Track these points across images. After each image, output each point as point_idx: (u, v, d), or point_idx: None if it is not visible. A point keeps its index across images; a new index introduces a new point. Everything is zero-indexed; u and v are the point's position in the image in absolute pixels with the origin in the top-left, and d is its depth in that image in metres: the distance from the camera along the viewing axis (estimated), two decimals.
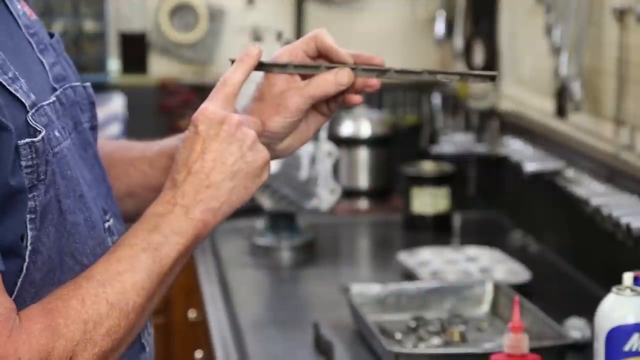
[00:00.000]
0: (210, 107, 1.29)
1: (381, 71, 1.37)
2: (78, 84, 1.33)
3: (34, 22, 1.29)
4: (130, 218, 1.53)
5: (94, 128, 1.36)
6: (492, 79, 1.36)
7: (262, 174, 1.30)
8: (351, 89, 1.39)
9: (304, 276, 2.51)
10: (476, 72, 1.37)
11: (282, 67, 1.38)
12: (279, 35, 2.55)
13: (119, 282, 1.19)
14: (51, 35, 1.34)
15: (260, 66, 1.38)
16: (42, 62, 1.25)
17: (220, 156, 1.27)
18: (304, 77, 1.39)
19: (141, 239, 1.23)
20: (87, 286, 1.18)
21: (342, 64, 1.38)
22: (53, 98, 1.22)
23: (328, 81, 1.37)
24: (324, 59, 1.40)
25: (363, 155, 3.08)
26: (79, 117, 1.30)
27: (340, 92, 1.38)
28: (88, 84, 1.36)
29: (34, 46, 1.25)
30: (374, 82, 1.39)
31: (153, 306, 1.24)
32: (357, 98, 1.41)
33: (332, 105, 1.42)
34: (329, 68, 1.38)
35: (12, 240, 1.13)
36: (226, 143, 1.28)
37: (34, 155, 1.14)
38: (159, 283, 1.22)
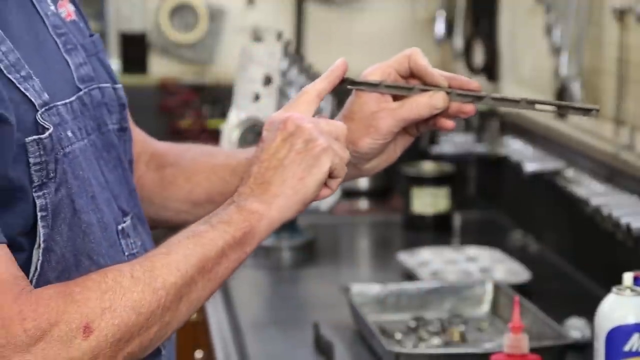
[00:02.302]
0: (275, 113, 1.28)
1: (477, 97, 1.33)
2: (107, 85, 1.33)
3: (68, 23, 1.29)
4: None
5: (123, 130, 1.36)
6: (594, 112, 1.32)
7: (318, 164, 1.24)
8: (444, 113, 1.35)
9: (304, 276, 2.51)
10: (577, 105, 1.32)
11: (373, 85, 1.35)
12: (279, 35, 2.55)
13: (148, 262, 1.17)
14: (91, 36, 1.34)
15: (352, 83, 1.35)
16: (67, 62, 1.26)
17: (274, 153, 1.24)
18: (395, 97, 1.36)
19: (189, 230, 1.21)
20: (113, 266, 1.16)
21: (436, 86, 1.34)
22: (72, 98, 1.23)
23: (421, 104, 1.34)
24: (417, 79, 1.36)
25: None
26: (103, 119, 1.31)
27: (432, 115, 1.35)
28: (119, 85, 1.36)
29: (60, 46, 1.26)
30: (470, 108, 1.35)
31: (197, 296, 1.20)
32: (449, 123, 1.37)
33: (422, 127, 1.39)
34: (422, 90, 1.34)
35: (11, 236, 1.14)
36: (280, 140, 1.24)
37: (41, 153, 1.15)
38: (200, 269, 1.18)
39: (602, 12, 2.30)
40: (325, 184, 1.26)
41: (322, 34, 3.58)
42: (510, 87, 3.00)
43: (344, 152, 1.26)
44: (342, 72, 1.33)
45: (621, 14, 2.21)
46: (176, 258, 1.18)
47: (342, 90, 1.38)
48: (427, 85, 1.35)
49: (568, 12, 2.36)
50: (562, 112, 1.34)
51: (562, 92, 2.37)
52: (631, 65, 2.19)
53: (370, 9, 3.64)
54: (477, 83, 1.36)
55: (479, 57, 3.10)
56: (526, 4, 2.77)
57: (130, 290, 1.14)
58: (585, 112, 1.32)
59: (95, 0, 3.58)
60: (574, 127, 2.49)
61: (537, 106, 1.32)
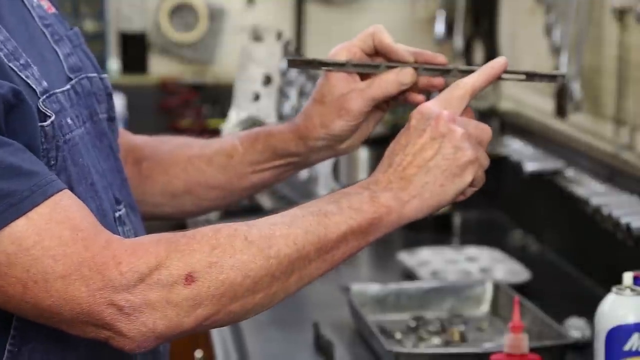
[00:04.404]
0: (427, 104, 1.26)
1: (444, 71, 1.34)
2: (95, 75, 1.34)
3: (50, 15, 1.30)
4: (188, 215, 1.54)
5: (111, 119, 1.37)
6: (560, 78, 1.33)
7: (463, 174, 1.23)
8: (414, 87, 1.36)
9: None
10: (543, 73, 1.33)
11: (340, 65, 1.36)
12: (279, 35, 2.55)
13: (267, 228, 1.16)
14: (71, 29, 1.35)
15: (318, 64, 1.36)
16: (56, 52, 1.26)
17: (420, 150, 1.23)
18: (362, 76, 1.37)
19: (315, 206, 1.20)
20: (230, 224, 1.16)
21: (402, 62, 1.35)
22: (67, 86, 1.23)
23: (390, 82, 1.35)
24: (382, 57, 1.37)
25: (363, 154, 3.07)
26: (94, 108, 1.31)
27: (401, 91, 1.36)
28: (105, 75, 1.37)
29: (49, 36, 1.27)
30: (439, 81, 1.36)
31: (309, 274, 1.19)
32: (420, 97, 1.38)
33: (393, 102, 1.40)
34: (389, 67, 1.35)
35: None
36: (429, 138, 1.23)
37: (43, 140, 1.16)
38: (318, 249, 1.17)
39: (602, 12, 2.30)
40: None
41: (322, 34, 3.58)
42: (510, 86, 3.00)
43: (486, 161, 1.26)
44: (501, 69, 1.29)
45: (621, 14, 2.21)
46: (296, 231, 1.17)
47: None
48: (393, 61, 1.35)
49: (568, 12, 2.35)
50: (529, 80, 1.34)
51: (562, 92, 2.37)
52: (631, 65, 2.19)
53: (370, 9, 3.64)
54: (443, 57, 1.37)
55: (479, 57, 3.10)
56: (526, 4, 2.77)
57: (241, 251, 1.13)
58: (552, 78, 1.34)
59: (95, 0, 3.58)
60: (574, 127, 2.49)
61: (504, 75, 1.33)
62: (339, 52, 1.38)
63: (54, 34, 1.28)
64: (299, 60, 1.46)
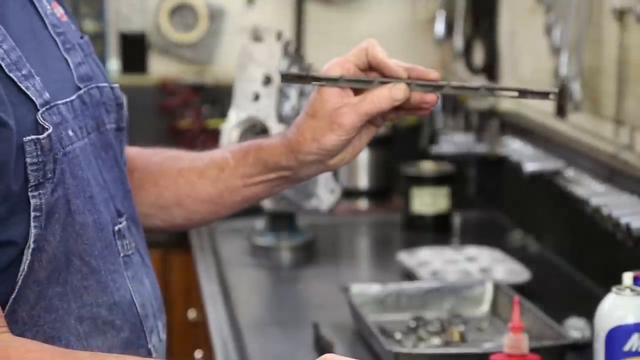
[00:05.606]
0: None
1: (437, 87, 1.34)
2: (105, 84, 1.33)
3: (64, 23, 1.29)
4: (179, 228, 1.52)
5: (120, 129, 1.36)
6: (552, 96, 1.33)
7: None
8: (407, 103, 1.35)
9: (304, 276, 2.51)
10: (535, 90, 1.33)
11: (334, 80, 1.35)
12: (279, 35, 2.55)
13: None
14: (81, 38, 1.34)
15: (312, 79, 1.36)
16: (67, 61, 1.26)
17: None
18: (356, 91, 1.36)
19: None
20: None
21: (396, 78, 1.35)
22: (72, 97, 1.23)
23: (383, 97, 1.34)
24: (376, 72, 1.37)
25: (363, 155, 3.08)
26: (102, 118, 1.30)
27: (394, 106, 1.36)
28: (116, 85, 1.36)
29: (60, 45, 1.26)
30: (431, 97, 1.35)
31: None
32: (425, 111, 1.38)
33: (389, 117, 1.40)
34: (382, 82, 1.34)
35: (14, 236, 1.14)
36: None
37: (39, 153, 1.15)
38: None
39: (602, 12, 2.30)
40: None
41: (322, 34, 3.58)
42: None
43: None
44: None
45: (621, 14, 2.21)
46: None
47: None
48: (387, 77, 1.35)
49: (568, 12, 2.35)
50: (521, 97, 1.35)
51: (562, 92, 2.37)
52: (631, 65, 2.19)
53: (370, 9, 3.64)
54: (436, 73, 1.36)
55: (479, 57, 3.10)
56: (526, 4, 2.77)
57: None
58: (544, 95, 1.35)
59: (95, 0, 3.58)
60: (574, 127, 2.49)
61: (496, 92, 1.34)
62: (333, 67, 1.37)
63: (65, 42, 1.27)
64: (292, 75, 1.45)
